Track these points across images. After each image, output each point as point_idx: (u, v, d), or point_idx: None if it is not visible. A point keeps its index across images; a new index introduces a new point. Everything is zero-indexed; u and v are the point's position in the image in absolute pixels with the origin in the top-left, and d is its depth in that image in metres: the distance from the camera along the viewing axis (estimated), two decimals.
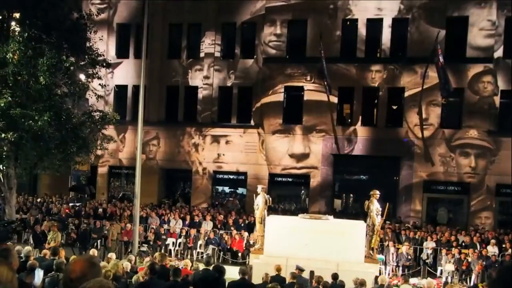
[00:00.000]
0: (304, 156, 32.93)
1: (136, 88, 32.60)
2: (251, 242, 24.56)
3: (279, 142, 33.20)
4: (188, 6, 34.81)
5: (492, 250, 24.14)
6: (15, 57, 20.16)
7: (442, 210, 32.81)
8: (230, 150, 34.05)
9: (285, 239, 20.46)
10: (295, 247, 19.83)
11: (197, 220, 27.84)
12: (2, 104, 19.33)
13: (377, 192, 21.61)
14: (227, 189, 36.17)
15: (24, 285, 10.68)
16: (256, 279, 16.63)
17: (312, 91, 32.65)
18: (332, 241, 20.30)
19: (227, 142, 34.13)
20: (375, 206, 20.89)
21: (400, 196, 31.87)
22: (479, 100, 30.65)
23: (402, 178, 31.87)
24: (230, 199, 35.58)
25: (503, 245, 25.25)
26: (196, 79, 34.77)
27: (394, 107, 32.71)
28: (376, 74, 32.14)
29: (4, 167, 22.28)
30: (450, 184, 31.69)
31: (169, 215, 28.62)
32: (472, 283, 22.77)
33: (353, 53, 32.59)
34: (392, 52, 32.03)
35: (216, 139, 34.04)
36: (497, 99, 30.54)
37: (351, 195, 35.45)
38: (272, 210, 26.73)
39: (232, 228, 26.89)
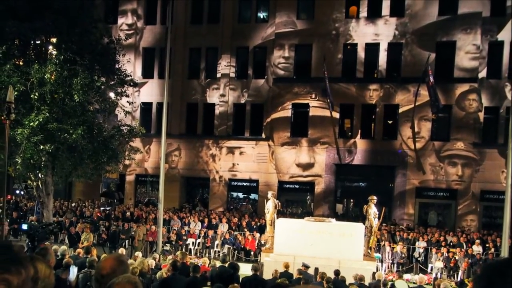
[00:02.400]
0: (309, 166, 32.92)
1: (159, 105, 32.75)
2: (262, 242, 24.54)
3: (287, 153, 33.21)
4: (206, 32, 34.84)
5: (477, 249, 24.05)
6: (52, 77, 20.21)
7: (432, 214, 32.75)
8: (243, 160, 34.07)
9: (292, 239, 20.62)
10: (301, 247, 19.77)
11: (214, 223, 27.77)
12: (41, 119, 19.38)
13: (374, 197, 21.81)
14: (241, 195, 36.08)
15: (60, 281, 10.68)
16: (267, 275, 16.55)
17: (316, 107, 32.69)
18: (334, 241, 20.67)
19: (240, 153, 34.18)
20: (372, 210, 21.06)
21: (395, 201, 31.67)
22: (465, 116, 30.70)
23: (397, 185, 31.79)
24: (244, 203, 35.41)
25: (487, 245, 25.25)
26: (213, 97, 34.88)
27: (390, 122, 32.54)
28: (374, 93, 32.21)
29: (43, 175, 22.32)
30: (440, 191, 31.67)
31: (189, 218, 28.56)
32: (459, 279, 22.61)
33: (353, 73, 32.52)
34: (388, 73, 31.98)
35: (231, 150, 34.07)
36: (481, 115, 30.64)
37: (351, 200, 35.23)
38: (281, 213, 26.60)
39: (245, 230, 26.84)
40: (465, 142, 30.85)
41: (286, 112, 33.96)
